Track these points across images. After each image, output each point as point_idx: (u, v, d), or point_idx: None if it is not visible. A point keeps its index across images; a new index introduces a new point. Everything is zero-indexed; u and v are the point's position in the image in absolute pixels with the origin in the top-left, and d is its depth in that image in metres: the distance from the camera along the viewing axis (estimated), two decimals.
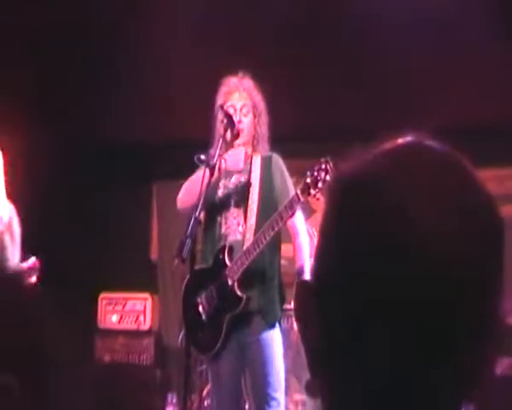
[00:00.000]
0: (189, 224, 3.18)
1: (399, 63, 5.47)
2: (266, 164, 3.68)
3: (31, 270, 4.59)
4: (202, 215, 3.62)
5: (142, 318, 6.17)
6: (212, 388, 3.74)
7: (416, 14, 5.11)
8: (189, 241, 3.08)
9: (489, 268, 0.70)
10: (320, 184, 3.21)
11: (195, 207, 3.22)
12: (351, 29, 5.30)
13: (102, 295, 6.27)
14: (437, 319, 0.68)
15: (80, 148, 6.67)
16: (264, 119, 3.74)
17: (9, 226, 4.74)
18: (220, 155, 3.43)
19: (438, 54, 5.44)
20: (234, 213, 3.62)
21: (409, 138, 0.76)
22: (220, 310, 3.53)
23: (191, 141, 4.18)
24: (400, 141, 0.75)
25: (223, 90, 3.77)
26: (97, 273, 6.35)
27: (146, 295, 6.26)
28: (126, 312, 6.21)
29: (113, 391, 5.87)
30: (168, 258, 6.14)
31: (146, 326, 6.16)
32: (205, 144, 3.68)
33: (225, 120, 3.52)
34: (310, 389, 0.76)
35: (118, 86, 5.99)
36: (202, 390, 5.17)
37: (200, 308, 3.59)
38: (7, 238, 4.72)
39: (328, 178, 3.21)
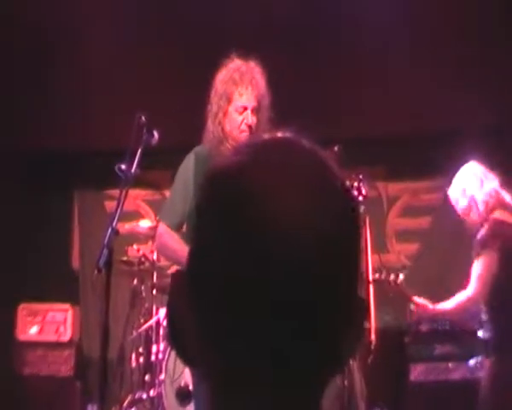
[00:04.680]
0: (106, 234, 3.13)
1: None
2: None
3: None
4: None
5: (62, 329, 6.06)
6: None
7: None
8: (105, 251, 3.03)
9: (343, 257, 0.72)
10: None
11: (112, 217, 3.17)
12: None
13: (22, 306, 6.14)
14: (293, 307, 0.69)
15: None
16: (268, 115, 3.35)
17: None
18: (137, 166, 3.28)
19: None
20: None
21: (281, 135, 0.77)
22: None
23: (113, 150, 4.11)
24: (269, 136, 0.77)
25: (231, 76, 3.31)
26: (16, 283, 6.21)
27: (66, 305, 6.16)
28: (46, 323, 6.09)
29: (31, 404, 5.76)
30: (89, 267, 6.06)
31: (66, 337, 6.06)
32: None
33: (144, 130, 3.31)
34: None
35: (42, 94, 5.91)
36: (123, 401, 5.12)
37: None
38: None
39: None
